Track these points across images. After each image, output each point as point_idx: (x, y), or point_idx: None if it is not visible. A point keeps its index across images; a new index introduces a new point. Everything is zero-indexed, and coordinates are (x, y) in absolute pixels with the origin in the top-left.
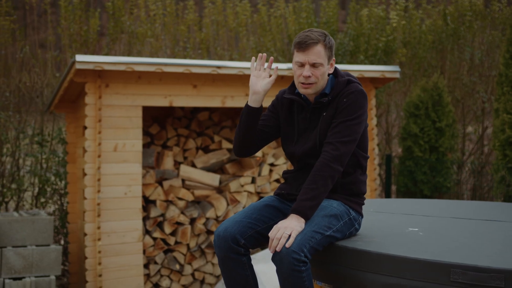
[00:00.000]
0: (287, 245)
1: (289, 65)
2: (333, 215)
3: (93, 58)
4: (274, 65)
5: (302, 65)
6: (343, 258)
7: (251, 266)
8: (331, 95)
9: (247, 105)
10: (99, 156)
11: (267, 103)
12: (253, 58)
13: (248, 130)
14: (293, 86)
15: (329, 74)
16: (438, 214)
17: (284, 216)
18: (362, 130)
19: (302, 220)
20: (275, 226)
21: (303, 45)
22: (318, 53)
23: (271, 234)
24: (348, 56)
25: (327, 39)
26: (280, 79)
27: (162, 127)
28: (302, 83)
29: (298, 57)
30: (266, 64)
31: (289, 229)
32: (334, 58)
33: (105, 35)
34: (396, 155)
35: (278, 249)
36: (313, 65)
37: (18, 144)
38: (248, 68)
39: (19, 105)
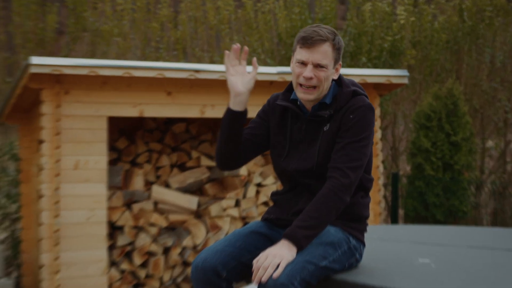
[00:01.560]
0: (275, 276)
1: (279, 68)
2: (330, 243)
3: (51, 61)
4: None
5: (304, 64)
6: None
7: None
8: (333, 107)
9: (228, 109)
10: (57, 175)
11: (253, 113)
12: (227, 52)
13: (232, 139)
14: (288, 91)
15: (333, 80)
16: (453, 242)
17: (273, 244)
18: (370, 151)
19: (294, 249)
20: (262, 253)
21: (309, 41)
22: (324, 52)
23: (256, 262)
24: (348, 58)
25: (337, 39)
26: (269, 84)
27: (131, 141)
28: (302, 86)
29: (300, 54)
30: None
31: (278, 257)
32: (340, 62)
33: (65, 33)
34: (404, 174)
35: (264, 279)
36: (317, 66)
37: None
38: None
39: None
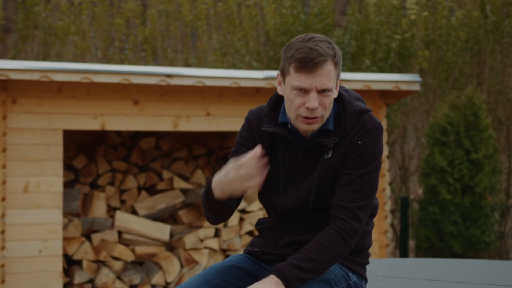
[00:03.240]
0: None
1: (267, 72)
2: (326, 280)
3: None
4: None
5: (305, 91)
6: None
7: None
8: (338, 133)
9: (214, 197)
10: (3, 200)
11: (237, 126)
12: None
13: (223, 209)
14: (272, 111)
15: None
16: (474, 280)
17: (257, 282)
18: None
19: None
20: None
21: (310, 65)
22: (328, 74)
23: None
24: (349, 61)
25: (336, 52)
26: (255, 92)
27: (91, 159)
28: (306, 118)
29: (299, 80)
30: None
31: None
32: (340, 76)
33: (12, 31)
34: (415, 198)
35: None
36: (321, 92)
37: None
38: (211, 78)
39: None
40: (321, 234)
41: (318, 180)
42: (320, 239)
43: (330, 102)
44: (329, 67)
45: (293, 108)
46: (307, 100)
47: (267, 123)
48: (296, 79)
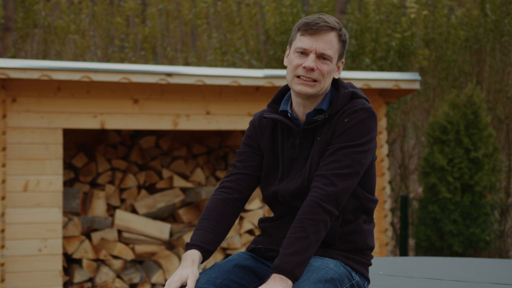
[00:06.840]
0: None
1: (267, 71)
2: (330, 279)
3: None
4: None
5: (305, 53)
6: None
7: None
8: (329, 111)
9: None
10: (2, 198)
11: (237, 124)
12: None
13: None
14: (274, 103)
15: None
16: (474, 278)
17: (261, 280)
18: (368, 162)
19: (289, 283)
20: None
21: (314, 27)
22: (330, 42)
23: None
24: (348, 59)
25: (343, 31)
26: (255, 91)
27: (91, 158)
28: (301, 77)
29: (302, 41)
30: None
31: None
32: (343, 60)
33: (12, 30)
34: (415, 197)
35: None
36: (320, 57)
37: None
38: (210, 77)
39: None
40: (300, 210)
41: (311, 160)
42: (299, 215)
43: (328, 71)
44: (332, 37)
45: (292, 68)
46: (306, 60)
47: (268, 112)
48: (299, 41)
